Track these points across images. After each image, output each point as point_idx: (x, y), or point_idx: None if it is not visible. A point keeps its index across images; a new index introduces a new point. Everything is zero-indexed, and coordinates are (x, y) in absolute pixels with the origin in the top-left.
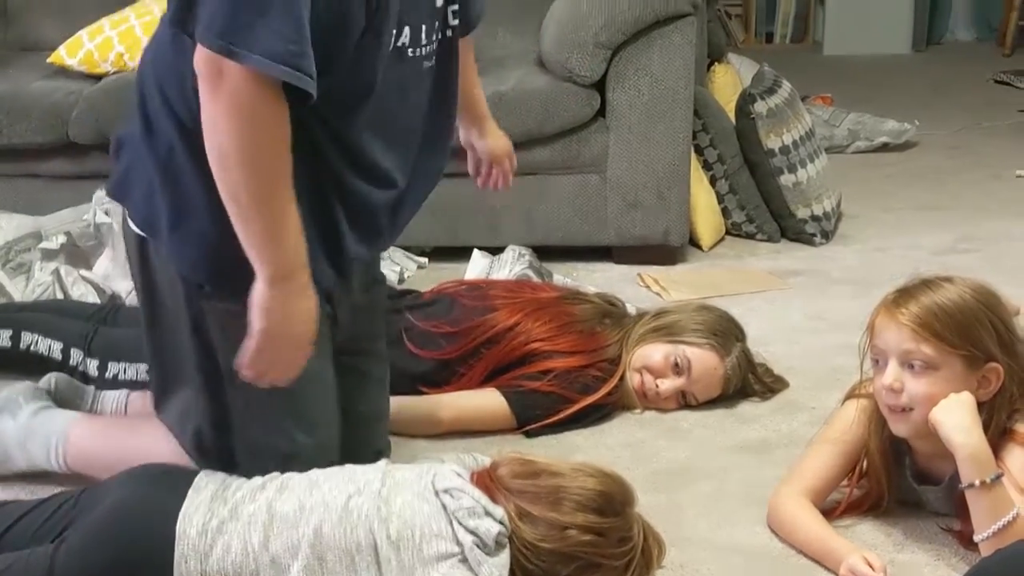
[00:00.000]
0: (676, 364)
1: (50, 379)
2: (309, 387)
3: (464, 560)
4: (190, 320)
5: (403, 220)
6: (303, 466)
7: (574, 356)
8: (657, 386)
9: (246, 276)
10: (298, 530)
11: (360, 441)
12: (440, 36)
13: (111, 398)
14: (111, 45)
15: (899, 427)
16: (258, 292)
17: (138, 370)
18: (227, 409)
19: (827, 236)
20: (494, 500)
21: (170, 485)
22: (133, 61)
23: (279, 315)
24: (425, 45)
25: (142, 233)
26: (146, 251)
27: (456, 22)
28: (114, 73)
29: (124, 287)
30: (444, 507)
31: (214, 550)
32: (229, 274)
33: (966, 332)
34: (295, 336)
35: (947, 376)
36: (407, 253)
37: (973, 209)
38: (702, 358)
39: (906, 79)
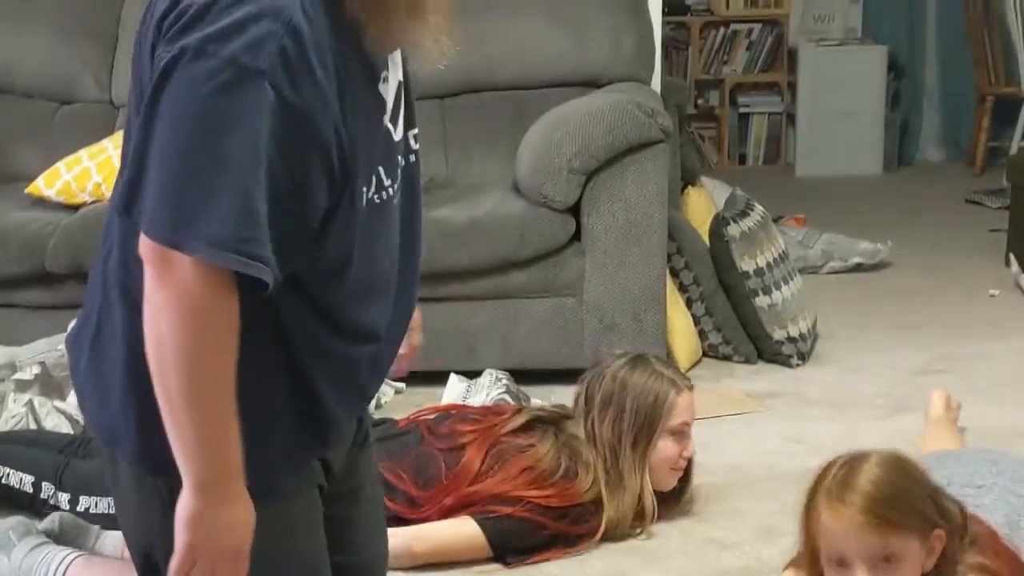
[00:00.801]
0: (682, 433)
1: (54, 518)
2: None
3: None
4: (160, 513)
5: (387, 367)
6: None
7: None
8: (683, 456)
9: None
10: None
11: None
12: (404, 163)
13: (112, 539)
14: (89, 175)
15: None
16: (183, 500)
17: (109, 504)
18: None
19: (804, 357)
20: None
21: None
22: (111, 191)
23: (207, 526)
24: (390, 185)
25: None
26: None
27: (418, 146)
28: (92, 203)
29: None
30: None
31: None
32: (151, 448)
33: (913, 509)
34: (227, 550)
35: (913, 560)
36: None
37: (948, 328)
38: (688, 407)
39: (878, 199)
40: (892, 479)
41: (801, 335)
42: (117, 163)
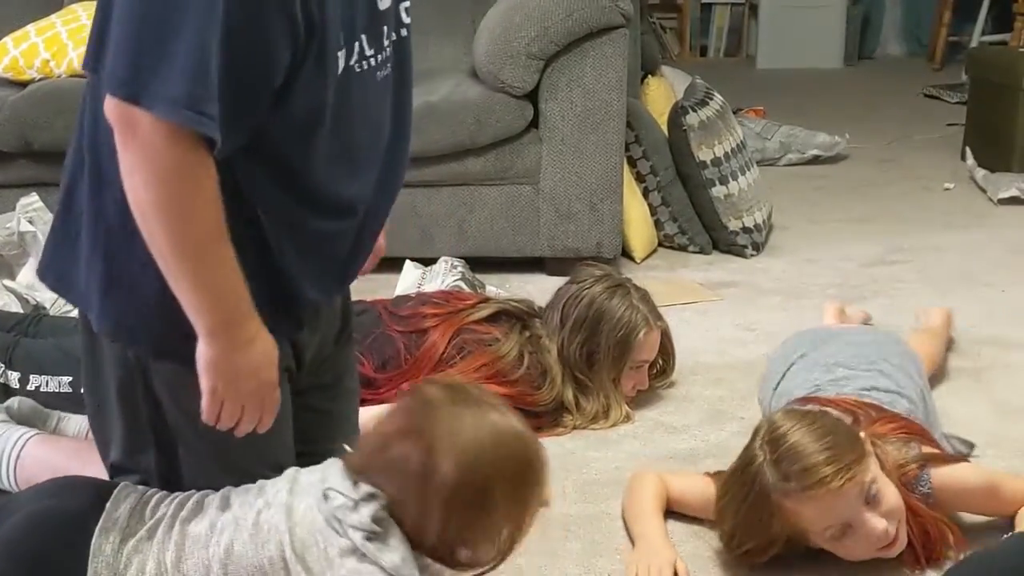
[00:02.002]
0: (640, 368)
1: (13, 401)
2: (259, 442)
3: (365, 555)
4: (141, 381)
5: (368, 245)
6: None
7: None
8: (635, 388)
9: (185, 337)
10: (208, 550)
11: None
12: (396, 38)
13: (75, 423)
14: (36, 52)
15: (892, 551)
16: (201, 349)
17: (60, 383)
18: (178, 466)
19: (758, 248)
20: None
21: (85, 498)
22: (59, 68)
23: (226, 370)
24: (372, 56)
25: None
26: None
27: (409, 20)
28: (40, 80)
29: (48, 297)
30: (332, 512)
31: (129, 569)
32: (168, 337)
33: (849, 439)
34: (250, 388)
35: (878, 473)
36: None
37: (902, 221)
38: (652, 343)
39: (837, 93)
40: (816, 433)
41: (756, 226)
42: (65, 40)
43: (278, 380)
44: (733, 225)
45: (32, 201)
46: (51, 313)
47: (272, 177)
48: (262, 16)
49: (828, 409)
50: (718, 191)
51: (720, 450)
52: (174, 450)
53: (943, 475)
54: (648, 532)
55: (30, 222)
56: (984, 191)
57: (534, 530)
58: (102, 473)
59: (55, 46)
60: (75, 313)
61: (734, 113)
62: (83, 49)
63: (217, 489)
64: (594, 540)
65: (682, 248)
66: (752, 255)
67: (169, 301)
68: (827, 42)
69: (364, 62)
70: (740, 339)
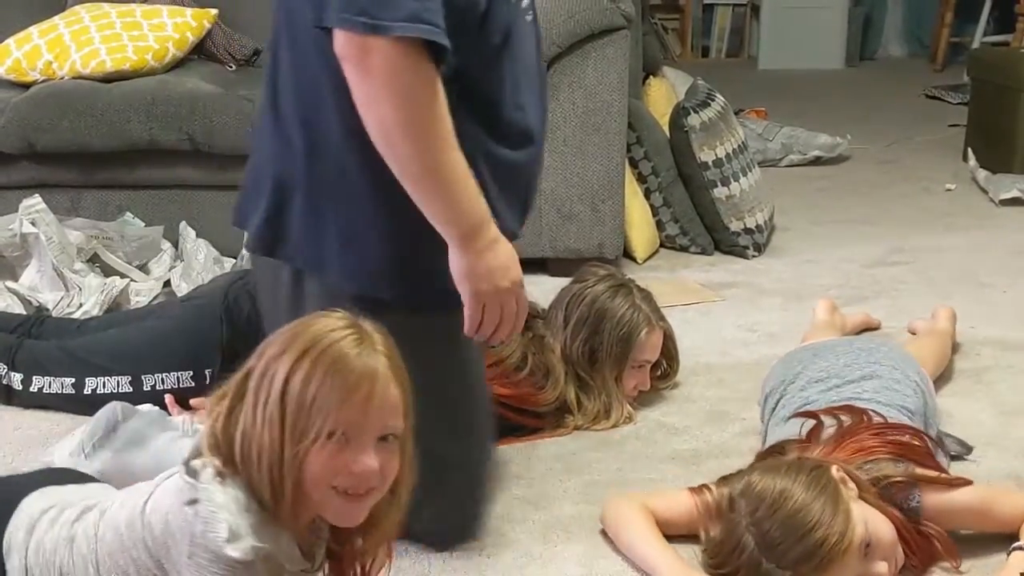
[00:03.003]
0: (641, 368)
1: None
2: (466, 392)
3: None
4: None
5: (539, 173)
6: (462, 471)
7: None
8: (636, 388)
9: (427, 284)
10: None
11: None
12: None
13: None
14: (39, 53)
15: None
16: (455, 259)
17: (63, 384)
18: None
19: (760, 249)
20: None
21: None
22: (62, 69)
23: (483, 272)
24: (528, 7)
25: (302, 268)
26: (301, 288)
27: None
28: (43, 81)
29: (51, 298)
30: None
31: (33, 537)
32: (411, 284)
33: (831, 500)
34: (506, 286)
35: (869, 512)
36: None
37: (903, 222)
38: (654, 343)
39: (839, 94)
40: (800, 503)
41: (758, 227)
42: (68, 41)
43: (522, 279)
44: (735, 226)
45: (35, 203)
46: (53, 314)
47: (469, 109)
48: None
49: (804, 456)
50: (720, 192)
51: (722, 451)
52: None
53: (934, 493)
54: (669, 563)
55: (32, 224)
56: (986, 192)
57: (535, 532)
58: None
59: (58, 48)
60: (78, 314)
61: (736, 114)
62: (86, 51)
63: (431, 434)
64: (597, 542)
65: (684, 249)
66: (754, 256)
67: (400, 253)
68: (829, 43)
69: (526, 14)
70: (742, 340)
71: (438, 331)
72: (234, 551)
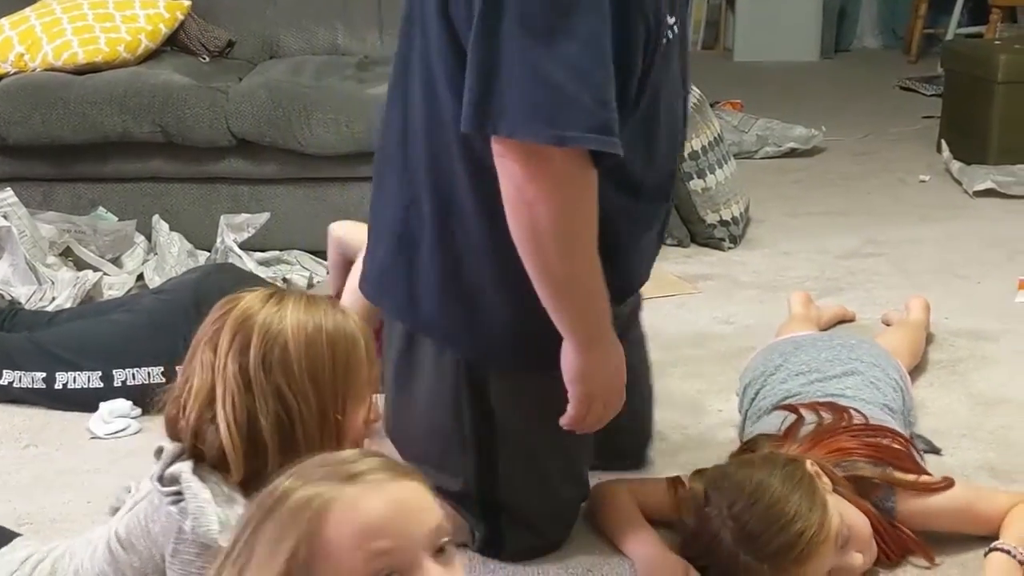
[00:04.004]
0: None
1: None
2: (578, 443)
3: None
4: (469, 394)
5: (665, 228)
6: (560, 512)
7: None
8: None
9: (536, 353)
10: None
11: (610, 449)
12: None
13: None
14: (11, 45)
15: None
16: (572, 361)
17: (33, 378)
18: (497, 469)
19: (735, 241)
20: None
21: None
22: (34, 62)
23: (597, 378)
24: (674, 23)
25: (414, 331)
26: (414, 349)
27: None
28: (14, 74)
29: (23, 292)
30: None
31: None
32: (520, 355)
33: (807, 494)
34: (615, 388)
35: (844, 506)
36: (315, 257)
37: (879, 213)
38: None
39: (814, 86)
40: (776, 498)
41: (734, 219)
42: (40, 34)
43: (624, 384)
44: (711, 218)
45: (6, 196)
46: (26, 308)
47: (611, 177)
48: (632, 29)
49: (776, 451)
50: (696, 184)
51: (698, 443)
52: (495, 453)
53: (910, 498)
54: (648, 546)
55: (4, 217)
56: (960, 183)
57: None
58: None
59: (29, 39)
60: (51, 308)
61: (711, 106)
62: (58, 43)
63: (529, 487)
64: (573, 532)
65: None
66: (730, 248)
67: (521, 319)
68: (804, 35)
69: (669, 32)
70: (718, 332)
71: (553, 387)
72: (227, 541)
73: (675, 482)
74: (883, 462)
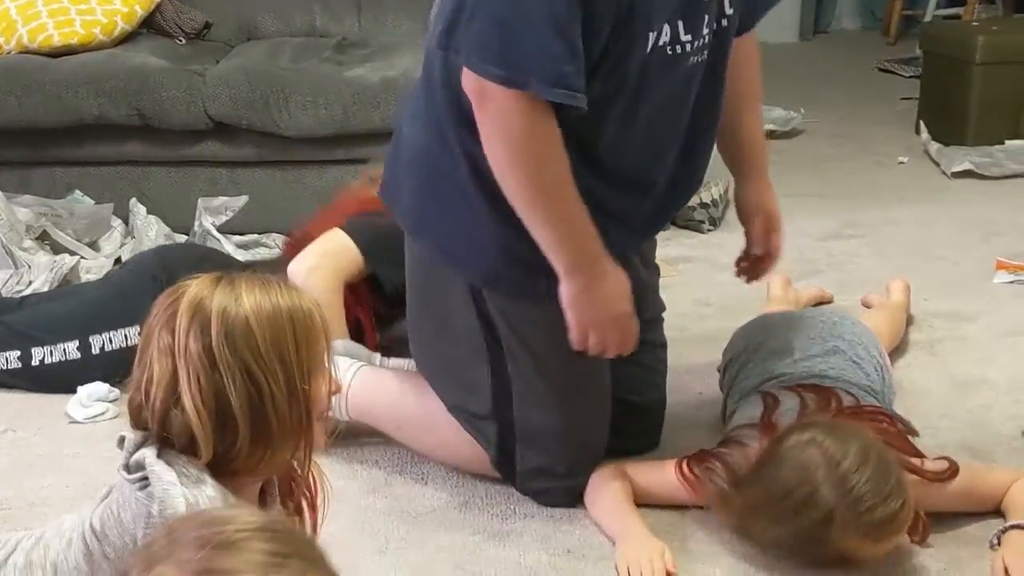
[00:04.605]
0: None
1: (337, 343)
2: (582, 371)
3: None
4: (474, 306)
5: (668, 215)
6: (573, 444)
7: None
8: None
9: (516, 278)
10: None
11: (629, 427)
12: (715, 27)
13: (395, 364)
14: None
15: None
16: (563, 289)
17: (8, 359)
18: (507, 382)
19: (715, 223)
20: None
21: None
22: (9, 44)
23: (588, 305)
24: (689, 42)
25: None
26: (412, 247)
27: (732, 11)
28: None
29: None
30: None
31: None
32: (507, 281)
33: (895, 467)
34: (612, 317)
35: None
36: None
37: (857, 195)
38: None
39: (793, 67)
40: (878, 471)
41: (713, 201)
42: (15, 16)
43: (632, 310)
44: (691, 200)
45: None
46: (2, 293)
47: (574, 146)
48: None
49: (861, 428)
50: None
51: (680, 424)
52: (505, 371)
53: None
54: (629, 527)
55: None
56: (938, 165)
57: (496, 509)
58: (432, 399)
59: (4, 22)
60: (28, 291)
61: None
62: (33, 25)
63: (540, 409)
64: (556, 516)
65: None
66: (709, 230)
67: (515, 247)
68: (783, 16)
69: (678, 46)
70: (698, 314)
71: (549, 319)
72: None
73: (682, 462)
74: (891, 447)
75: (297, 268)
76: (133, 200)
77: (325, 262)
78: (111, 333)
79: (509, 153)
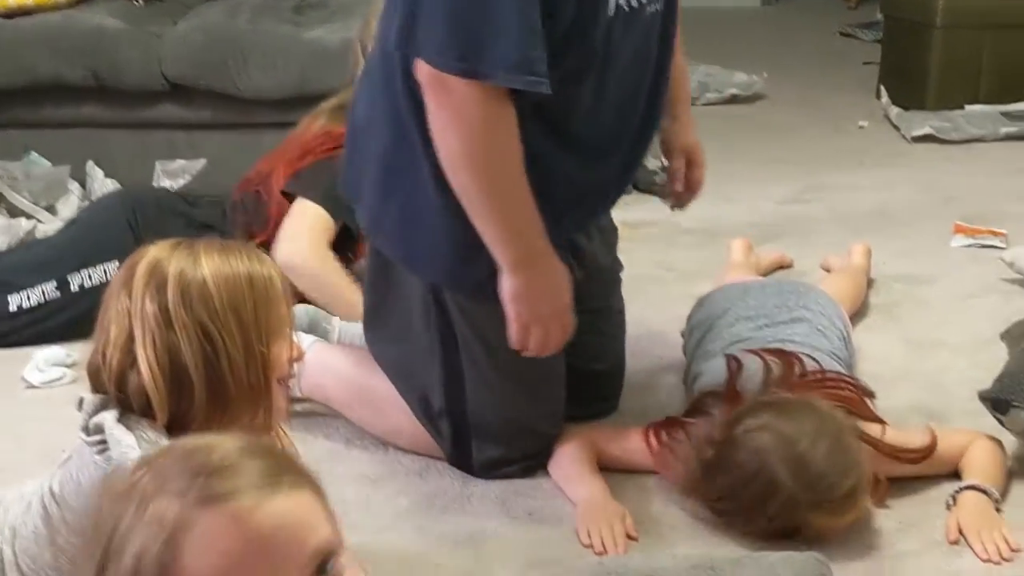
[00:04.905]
0: None
1: (304, 310)
2: (537, 363)
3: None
4: (433, 304)
5: (625, 183)
6: (529, 433)
7: None
8: None
9: (474, 276)
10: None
11: (591, 393)
12: None
13: (350, 335)
14: None
15: None
16: (505, 283)
17: None
18: (461, 379)
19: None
20: None
21: None
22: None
23: (530, 300)
24: None
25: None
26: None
27: None
28: None
29: None
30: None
31: None
32: (458, 275)
33: (853, 437)
34: (552, 312)
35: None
36: None
37: (817, 160)
38: None
39: (755, 32)
40: (831, 444)
41: None
42: None
43: (571, 304)
44: (652, 164)
45: None
46: None
47: (536, 124)
48: None
49: (809, 398)
50: None
51: (641, 388)
52: (460, 368)
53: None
54: (591, 491)
55: None
56: (898, 129)
57: (455, 474)
58: (383, 382)
59: None
60: None
61: None
62: None
63: (497, 405)
64: (516, 482)
65: None
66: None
67: (476, 246)
68: None
69: (635, 1)
70: (659, 278)
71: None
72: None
73: (649, 431)
74: (852, 413)
75: (292, 251)
76: (90, 163)
77: (315, 237)
78: (89, 270)
79: (466, 144)
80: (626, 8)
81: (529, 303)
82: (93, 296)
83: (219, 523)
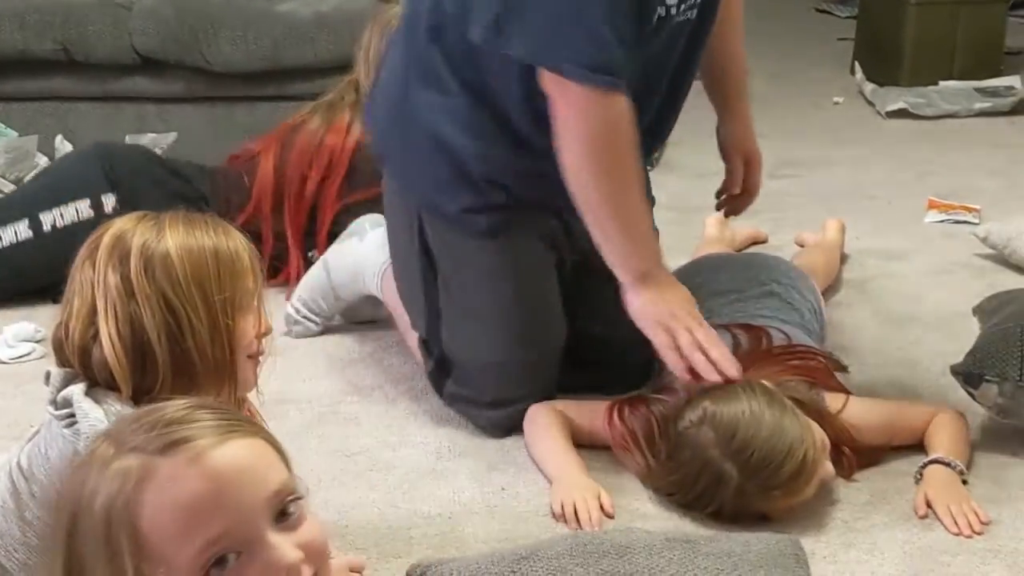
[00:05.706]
0: None
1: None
2: (520, 306)
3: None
4: (419, 240)
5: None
6: (512, 379)
7: None
8: None
9: (451, 204)
10: None
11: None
12: None
13: None
14: None
15: None
16: (631, 301)
17: None
18: (439, 314)
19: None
20: None
21: None
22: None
23: (661, 306)
24: (676, 4)
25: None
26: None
27: None
28: None
29: None
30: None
31: None
32: (449, 209)
33: (796, 418)
34: (688, 315)
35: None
36: None
37: (792, 135)
38: None
39: None
40: (773, 427)
41: None
42: None
43: (697, 315)
44: None
45: None
46: None
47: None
48: None
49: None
50: None
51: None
52: (437, 299)
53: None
54: (566, 466)
55: None
56: (872, 105)
57: (429, 448)
58: None
59: None
60: None
61: None
62: None
63: (474, 346)
64: (490, 456)
65: None
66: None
67: (465, 178)
68: None
69: (675, 8)
70: None
71: (484, 257)
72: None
73: (614, 413)
74: (815, 385)
75: None
76: (59, 137)
77: None
78: (60, 208)
79: (587, 150)
80: (662, 14)
81: (662, 310)
82: (65, 236)
83: (179, 466)
